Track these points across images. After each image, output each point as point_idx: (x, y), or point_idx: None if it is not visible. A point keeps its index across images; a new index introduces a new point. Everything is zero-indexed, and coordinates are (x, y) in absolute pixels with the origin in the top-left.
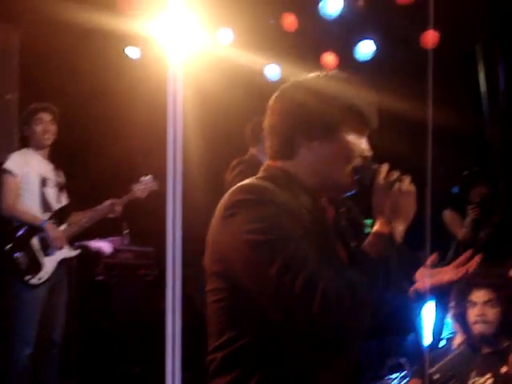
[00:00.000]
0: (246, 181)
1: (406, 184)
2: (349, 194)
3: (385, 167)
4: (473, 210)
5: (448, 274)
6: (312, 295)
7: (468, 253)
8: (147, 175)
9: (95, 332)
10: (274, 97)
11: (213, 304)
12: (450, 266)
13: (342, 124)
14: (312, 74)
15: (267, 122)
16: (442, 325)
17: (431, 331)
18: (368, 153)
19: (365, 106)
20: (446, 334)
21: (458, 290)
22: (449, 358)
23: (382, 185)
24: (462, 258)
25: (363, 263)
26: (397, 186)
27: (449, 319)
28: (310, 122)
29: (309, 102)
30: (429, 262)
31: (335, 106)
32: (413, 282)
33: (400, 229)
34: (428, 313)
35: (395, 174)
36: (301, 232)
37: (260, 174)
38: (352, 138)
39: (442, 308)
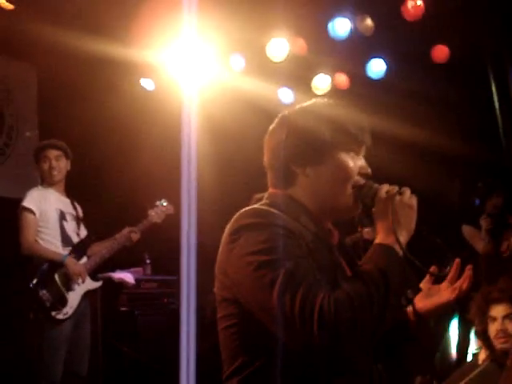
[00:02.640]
0: (249, 207)
1: (407, 196)
2: (351, 215)
3: (385, 186)
4: (484, 220)
5: (444, 295)
6: (310, 313)
7: (456, 264)
8: (161, 199)
9: (121, 362)
10: (266, 134)
11: (225, 330)
12: (445, 284)
13: (332, 146)
14: (298, 106)
15: (264, 157)
16: (468, 340)
17: (457, 347)
18: (367, 170)
19: (350, 124)
20: (472, 349)
21: (477, 306)
22: (475, 373)
23: (383, 198)
24: (452, 274)
25: (362, 275)
26: (398, 198)
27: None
28: (299, 151)
29: (295, 132)
30: (429, 273)
31: (322, 130)
32: (413, 296)
33: (402, 240)
34: (454, 329)
35: (395, 188)
36: (301, 252)
37: (263, 201)
38: (346, 157)
39: (467, 323)
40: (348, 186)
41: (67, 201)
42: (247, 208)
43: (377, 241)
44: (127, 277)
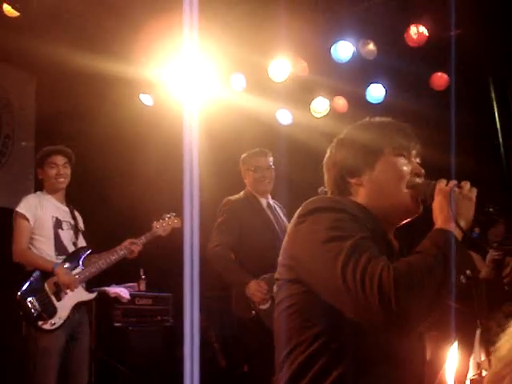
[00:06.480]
0: (317, 196)
1: (467, 189)
2: (412, 216)
3: (443, 180)
4: (494, 250)
5: None
6: (370, 280)
7: None
8: (169, 212)
9: (113, 378)
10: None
11: (284, 311)
12: None
13: (382, 152)
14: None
15: (325, 180)
16: (468, 367)
17: (455, 374)
18: (420, 170)
19: (395, 132)
20: (470, 375)
21: (500, 325)
22: None
23: (443, 190)
24: None
25: (421, 251)
26: (457, 190)
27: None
28: (351, 161)
29: (347, 146)
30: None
31: (370, 139)
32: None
33: (461, 227)
34: (452, 354)
35: (454, 182)
36: (365, 234)
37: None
38: (396, 159)
39: (466, 350)
40: (402, 185)
41: (66, 209)
42: (320, 196)
43: (437, 225)
44: (123, 292)
